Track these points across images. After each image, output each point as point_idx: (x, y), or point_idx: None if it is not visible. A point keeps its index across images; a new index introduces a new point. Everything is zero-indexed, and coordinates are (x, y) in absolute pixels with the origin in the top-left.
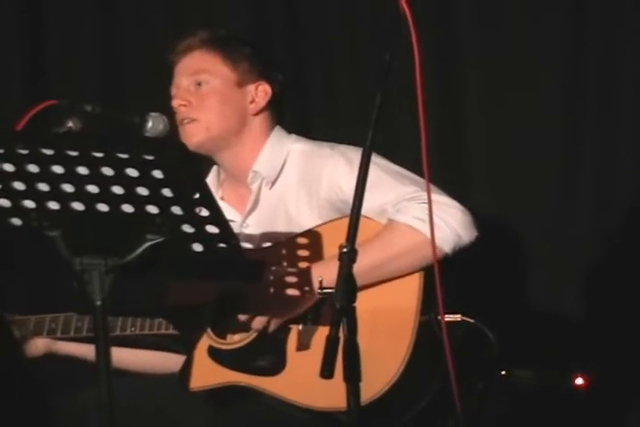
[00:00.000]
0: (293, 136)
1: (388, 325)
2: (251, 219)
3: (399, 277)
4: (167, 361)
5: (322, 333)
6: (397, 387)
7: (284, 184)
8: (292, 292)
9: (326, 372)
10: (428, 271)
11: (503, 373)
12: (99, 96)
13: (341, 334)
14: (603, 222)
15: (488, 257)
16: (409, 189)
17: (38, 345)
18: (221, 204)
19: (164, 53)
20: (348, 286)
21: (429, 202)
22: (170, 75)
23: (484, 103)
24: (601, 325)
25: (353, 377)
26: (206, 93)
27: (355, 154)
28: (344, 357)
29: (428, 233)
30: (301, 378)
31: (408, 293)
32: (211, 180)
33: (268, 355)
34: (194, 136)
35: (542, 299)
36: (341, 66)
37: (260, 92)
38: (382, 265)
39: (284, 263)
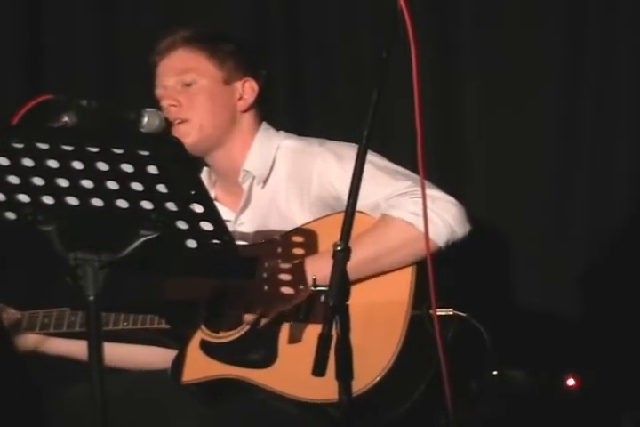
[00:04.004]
0: (282, 133)
1: (379, 318)
2: (243, 217)
3: (392, 270)
4: (159, 356)
5: (314, 326)
6: (388, 379)
7: (275, 182)
8: (285, 290)
9: (318, 370)
10: (420, 265)
11: (495, 373)
12: (97, 94)
13: (334, 332)
14: (599, 222)
15: (483, 256)
16: (402, 185)
17: (28, 341)
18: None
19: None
20: (341, 284)
21: (423, 196)
22: (152, 75)
23: (481, 103)
24: (594, 325)
25: (344, 376)
26: (195, 93)
27: (344, 150)
28: (336, 355)
29: (421, 227)
30: (293, 371)
31: (400, 286)
32: (203, 180)
33: (259, 348)
34: (187, 136)
35: (536, 299)
36: (340, 66)
37: (247, 89)
38: (376, 259)
39: (279, 260)
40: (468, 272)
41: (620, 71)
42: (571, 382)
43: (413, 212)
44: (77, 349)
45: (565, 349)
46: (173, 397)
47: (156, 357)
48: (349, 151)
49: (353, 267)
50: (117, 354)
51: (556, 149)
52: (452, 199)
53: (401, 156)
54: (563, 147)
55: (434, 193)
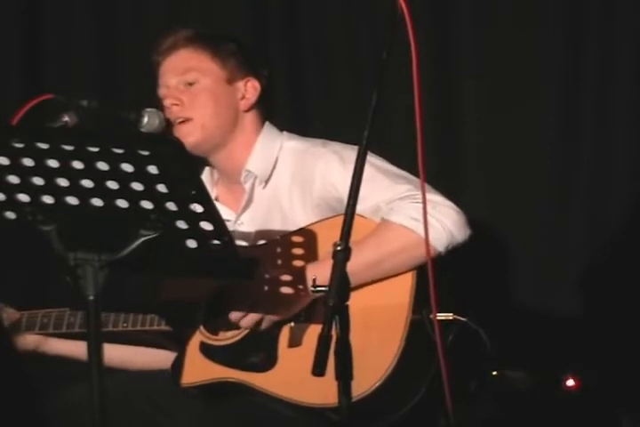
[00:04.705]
0: (285, 133)
1: (380, 322)
2: (244, 217)
3: (393, 275)
4: (158, 358)
5: (314, 330)
6: (388, 384)
7: (277, 182)
8: (285, 290)
9: (318, 370)
10: (421, 270)
11: (495, 373)
12: (97, 94)
13: (334, 333)
14: (598, 222)
15: (483, 257)
16: (403, 188)
17: (28, 341)
18: (216, 204)
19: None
20: (341, 284)
21: (424, 199)
22: (154, 75)
23: (481, 103)
24: (594, 325)
25: (344, 376)
26: (198, 92)
27: (348, 152)
28: (336, 355)
29: (421, 232)
30: (292, 374)
31: (401, 291)
32: (205, 180)
33: (259, 351)
34: (190, 135)
35: (536, 300)
36: (340, 66)
37: (250, 88)
38: (376, 264)
39: (279, 261)
40: (467, 273)
41: (620, 71)
42: (570, 382)
43: (413, 217)
44: (77, 349)
45: (565, 349)
46: (170, 397)
47: (155, 358)
48: (353, 153)
49: (353, 272)
50: (116, 355)
51: (556, 149)
52: (452, 204)
53: (400, 156)
54: (563, 147)
55: (434, 198)
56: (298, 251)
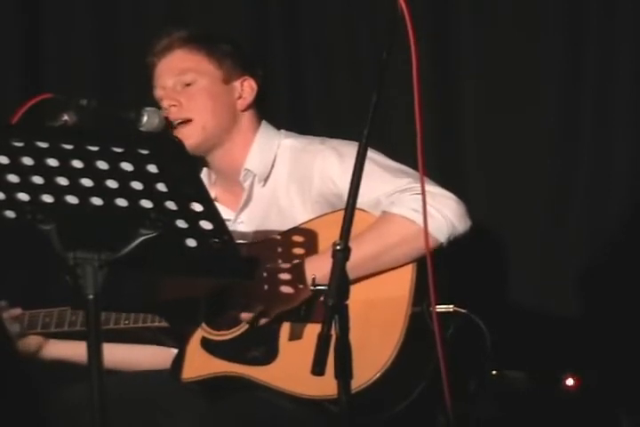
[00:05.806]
0: (283, 131)
1: (380, 315)
2: (243, 215)
3: (393, 268)
4: (160, 356)
5: (314, 323)
6: (387, 376)
7: (276, 180)
8: (285, 289)
9: (318, 369)
10: (421, 262)
11: (494, 373)
12: (97, 94)
13: (333, 331)
14: (598, 222)
15: (483, 257)
16: (402, 182)
17: (31, 343)
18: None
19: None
20: (340, 284)
21: (423, 193)
22: (149, 76)
23: (481, 103)
24: (594, 325)
25: (344, 375)
26: (196, 93)
27: (345, 148)
28: (335, 355)
29: (422, 223)
30: (293, 367)
31: (401, 283)
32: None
33: (260, 345)
34: (191, 137)
35: (535, 299)
36: (340, 66)
37: (246, 88)
38: (377, 256)
39: (279, 260)
40: (467, 273)
41: (620, 71)
42: (570, 381)
43: (414, 208)
44: (78, 351)
45: (565, 349)
46: (171, 397)
47: (156, 357)
48: (350, 149)
49: (354, 265)
50: (117, 355)
51: (556, 149)
52: (451, 195)
53: (401, 155)
54: (563, 147)
55: (433, 189)
56: (297, 249)
